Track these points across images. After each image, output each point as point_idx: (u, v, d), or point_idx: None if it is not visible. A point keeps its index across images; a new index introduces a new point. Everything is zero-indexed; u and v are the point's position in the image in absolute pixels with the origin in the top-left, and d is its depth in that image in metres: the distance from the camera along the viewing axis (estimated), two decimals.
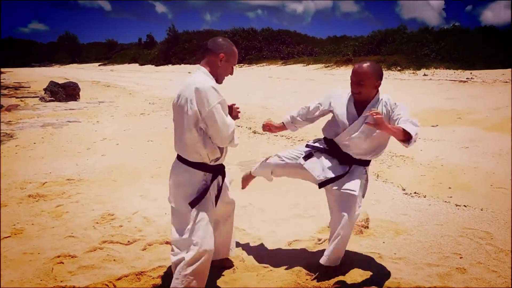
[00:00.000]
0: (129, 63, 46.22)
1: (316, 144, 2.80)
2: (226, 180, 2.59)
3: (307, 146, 2.84)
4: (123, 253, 3.10)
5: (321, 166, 2.70)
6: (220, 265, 2.82)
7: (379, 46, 21.13)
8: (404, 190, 4.31)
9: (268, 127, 2.93)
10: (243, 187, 3.26)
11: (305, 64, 23.81)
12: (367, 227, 3.36)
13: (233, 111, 2.46)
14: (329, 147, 2.73)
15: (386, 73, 16.25)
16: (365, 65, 2.54)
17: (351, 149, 2.64)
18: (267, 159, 3.02)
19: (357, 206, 2.61)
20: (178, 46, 37.82)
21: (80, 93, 14.86)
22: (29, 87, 21.64)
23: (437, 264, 2.81)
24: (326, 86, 13.59)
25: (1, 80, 29.20)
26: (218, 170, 2.44)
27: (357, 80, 2.54)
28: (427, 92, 10.88)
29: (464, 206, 3.81)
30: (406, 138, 2.41)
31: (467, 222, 3.46)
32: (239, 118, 2.53)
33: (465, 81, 11.99)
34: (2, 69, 45.20)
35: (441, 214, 3.65)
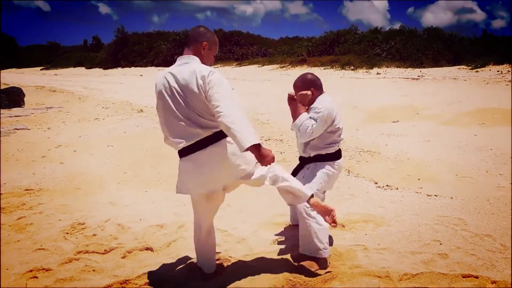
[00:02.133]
0: (74, 66, 44.14)
1: None
2: None
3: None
4: (101, 262, 2.93)
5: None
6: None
7: (332, 46, 21.71)
8: (377, 183, 4.42)
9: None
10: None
11: (260, 65, 23.95)
12: (343, 226, 3.39)
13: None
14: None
15: (340, 73, 16.80)
16: (297, 79, 2.97)
17: (301, 151, 3.00)
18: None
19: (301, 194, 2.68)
20: (127, 48, 36.63)
21: (24, 99, 13.97)
22: None
23: (420, 252, 2.90)
24: (284, 86, 13.72)
25: None
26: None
27: (295, 93, 2.94)
28: (382, 90, 11.31)
29: (435, 195, 3.97)
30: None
31: (440, 211, 3.61)
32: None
33: (417, 79, 12.60)
34: None
35: (415, 204, 3.78)
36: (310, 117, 2.78)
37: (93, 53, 44.77)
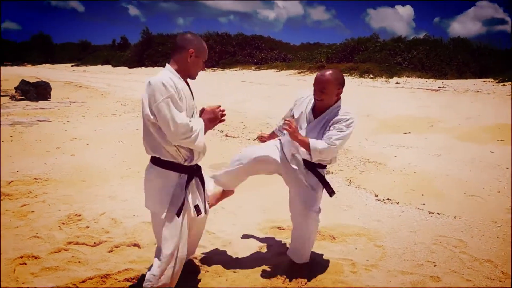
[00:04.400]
0: (102, 64, 45.15)
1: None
2: (207, 183, 2.52)
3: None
4: (88, 255, 2.98)
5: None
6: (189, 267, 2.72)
7: (352, 54, 21.47)
8: (377, 196, 4.33)
9: (260, 138, 3.02)
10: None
11: (278, 70, 23.87)
12: (334, 238, 3.32)
13: (213, 113, 2.34)
14: None
15: (358, 81, 16.59)
16: (328, 73, 2.58)
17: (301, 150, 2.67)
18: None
19: (315, 201, 2.65)
20: (151, 49, 37.22)
21: (51, 92, 14.42)
22: None
23: (411, 272, 2.78)
24: (299, 91, 13.72)
25: None
26: (193, 171, 2.34)
27: (319, 88, 2.57)
28: (399, 99, 11.09)
29: (437, 213, 3.83)
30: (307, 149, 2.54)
31: (440, 230, 3.46)
32: (223, 121, 2.43)
33: (437, 90, 12.30)
34: None
35: (414, 221, 3.66)
36: (330, 134, 2.52)
37: (120, 52, 45.71)
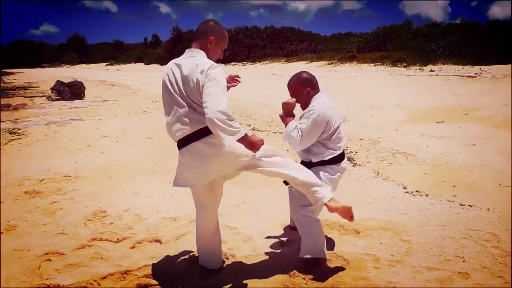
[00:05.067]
0: (135, 62, 46.30)
1: None
2: None
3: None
4: (111, 251, 3.02)
5: None
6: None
7: (384, 42, 20.84)
8: (405, 188, 4.15)
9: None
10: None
11: (308, 61, 23.56)
12: (358, 232, 3.22)
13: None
14: None
15: (391, 69, 16.10)
16: (291, 78, 2.79)
17: (301, 156, 2.84)
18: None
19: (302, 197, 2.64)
20: (182, 45, 37.71)
21: (85, 92, 14.89)
22: (38, 87, 21.93)
23: (437, 268, 2.64)
24: (328, 82, 13.39)
25: (12, 81, 29.62)
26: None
27: (289, 93, 2.81)
28: (433, 88, 10.64)
29: (469, 205, 3.62)
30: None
31: (471, 223, 3.27)
32: (235, 85, 2.74)
33: (473, 77, 11.73)
34: (14, 70, 45.92)
35: (443, 214, 3.48)
36: (297, 126, 2.66)
37: (152, 50, 46.64)
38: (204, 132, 2.26)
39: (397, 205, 3.73)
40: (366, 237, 3.15)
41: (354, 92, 11.31)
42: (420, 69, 15.26)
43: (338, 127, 2.71)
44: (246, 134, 2.19)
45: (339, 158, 2.74)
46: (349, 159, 5.29)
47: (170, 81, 2.32)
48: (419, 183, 4.28)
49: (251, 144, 2.22)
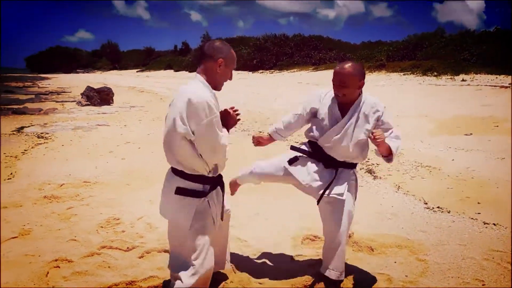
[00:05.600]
0: (164, 69, 47.27)
1: (302, 147, 2.69)
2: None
3: (291, 148, 2.73)
4: (119, 260, 3.01)
5: (307, 171, 2.59)
6: (215, 278, 2.65)
7: (414, 51, 20.36)
8: (426, 204, 3.98)
9: (257, 141, 2.86)
10: (232, 194, 3.03)
11: None
12: (372, 249, 3.08)
13: (230, 117, 2.32)
14: (313, 151, 2.60)
15: (420, 79, 15.67)
16: (347, 65, 2.45)
17: (334, 152, 2.53)
18: (249, 168, 2.87)
19: (347, 211, 2.48)
20: None
21: (114, 97, 15.24)
22: (70, 92, 22.68)
23: None
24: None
25: (46, 86, 30.83)
26: (216, 182, 2.29)
27: (339, 82, 2.44)
28: (463, 98, 10.27)
29: (494, 224, 3.43)
30: (388, 154, 2.46)
31: (495, 243, 3.09)
32: (239, 120, 2.42)
33: (506, 87, 11.23)
34: (49, 75, 47.95)
35: (465, 233, 3.30)
36: (392, 132, 2.49)
37: (182, 57, 47.48)
38: (179, 173, 2.20)
39: (416, 222, 3.57)
40: (381, 254, 3.01)
41: (381, 101, 11.06)
42: (451, 78, 14.78)
43: None
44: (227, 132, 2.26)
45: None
46: (370, 172, 5.14)
47: (168, 108, 2.19)
48: (442, 199, 4.08)
49: (232, 125, 2.33)
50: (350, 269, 2.77)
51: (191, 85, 2.15)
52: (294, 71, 27.42)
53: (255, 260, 2.98)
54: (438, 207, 3.86)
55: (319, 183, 2.52)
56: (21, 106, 13.72)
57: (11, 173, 5.34)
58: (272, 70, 29.22)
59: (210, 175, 2.21)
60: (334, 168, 2.54)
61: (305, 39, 33.26)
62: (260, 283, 2.65)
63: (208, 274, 2.24)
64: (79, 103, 14.55)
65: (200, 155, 2.11)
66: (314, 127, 2.62)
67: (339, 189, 2.48)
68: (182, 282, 2.16)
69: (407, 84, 14.81)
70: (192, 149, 2.10)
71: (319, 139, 2.56)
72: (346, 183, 2.51)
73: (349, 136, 2.48)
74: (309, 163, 2.60)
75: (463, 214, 3.69)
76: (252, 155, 5.34)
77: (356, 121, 2.48)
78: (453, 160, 5.41)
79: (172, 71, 44.30)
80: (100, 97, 14.71)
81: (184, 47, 52.65)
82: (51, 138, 8.01)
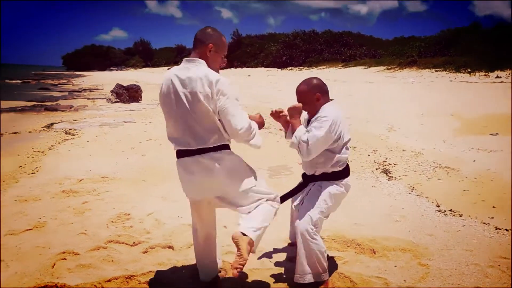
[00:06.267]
0: None
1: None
2: None
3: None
4: (124, 254, 3.10)
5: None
6: (212, 280, 2.66)
7: (448, 46, 19.67)
8: (439, 206, 3.85)
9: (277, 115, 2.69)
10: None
11: (366, 67, 22.94)
12: (374, 252, 3.02)
13: (262, 122, 2.48)
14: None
15: (452, 76, 15.15)
16: (301, 84, 2.64)
17: (305, 167, 2.70)
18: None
19: (305, 217, 2.49)
20: (240, 50, 38.42)
21: (142, 95, 15.56)
22: (102, 89, 23.39)
23: None
24: (384, 88, 12.91)
25: (80, 83, 31.97)
26: None
27: (298, 100, 2.63)
28: (494, 96, 9.84)
29: (506, 229, 3.28)
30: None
31: (504, 250, 2.95)
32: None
33: None
34: (84, 73, 49.74)
35: (474, 238, 3.17)
36: (308, 131, 2.49)
37: None
38: (194, 152, 2.27)
39: (424, 225, 3.47)
40: (382, 258, 2.95)
41: (408, 99, 10.79)
42: (485, 75, 14.19)
43: (347, 142, 2.57)
44: (257, 129, 2.35)
45: (343, 174, 2.59)
46: (386, 172, 5.03)
47: (171, 94, 2.26)
48: (456, 202, 3.95)
49: (260, 125, 2.41)
50: (348, 272, 2.74)
51: (200, 68, 2.25)
52: (323, 68, 27.15)
53: (252, 260, 2.96)
54: (450, 210, 3.74)
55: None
56: (54, 103, 14.31)
57: (36, 168, 5.59)
58: (301, 67, 29.05)
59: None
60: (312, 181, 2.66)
61: (335, 35, 32.91)
62: (255, 283, 2.66)
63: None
64: (108, 100, 14.97)
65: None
66: None
67: (296, 199, 2.71)
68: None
69: (437, 81, 14.35)
70: (217, 122, 2.24)
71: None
72: (304, 192, 2.66)
73: None
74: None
75: (475, 218, 3.55)
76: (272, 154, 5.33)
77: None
78: (474, 161, 5.21)
79: None
80: (129, 94, 15.07)
81: None
82: (77, 134, 8.31)
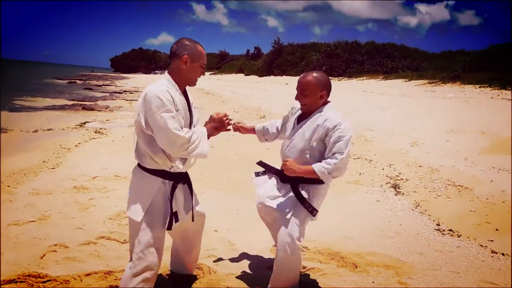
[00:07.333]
0: (236, 73, 48.57)
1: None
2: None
3: (258, 163, 2.70)
4: (111, 250, 3.21)
5: (265, 185, 2.56)
6: (181, 280, 2.72)
7: (495, 62, 18.65)
8: (439, 225, 3.69)
9: (237, 128, 2.75)
10: None
11: (407, 79, 22.23)
12: (356, 266, 2.93)
13: (220, 122, 2.43)
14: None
15: (496, 92, 14.33)
16: (309, 74, 2.42)
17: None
18: None
19: (295, 229, 2.36)
20: (281, 58, 38.49)
21: None
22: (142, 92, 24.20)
23: None
24: (419, 103, 12.49)
25: (123, 85, 33.29)
26: (179, 178, 2.35)
27: (300, 90, 2.42)
28: None
29: (502, 254, 3.10)
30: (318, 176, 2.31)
31: (492, 275, 2.79)
32: (229, 130, 2.52)
33: None
34: (129, 75, 51.79)
35: (465, 260, 3.02)
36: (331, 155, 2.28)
37: (253, 61, 48.38)
38: (141, 166, 2.33)
39: (417, 243, 3.34)
40: (362, 273, 2.87)
41: (440, 114, 10.37)
42: None
43: None
44: (203, 137, 2.26)
45: None
46: (394, 187, 4.88)
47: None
48: (458, 221, 3.77)
49: (216, 128, 2.41)
50: (323, 284, 2.69)
51: (155, 82, 2.25)
52: (363, 79, 26.65)
53: (235, 263, 2.99)
54: (450, 230, 3.57)
55: (271, 200, 2.48)
56: (92, 103, 15.01)
57: (57, 164, 5.89)
58: (341, 78, 28.66)
59: (172, 170, 2.27)
60: (289, 183, 2.44)
61: (378, 47, 32.22)
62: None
63: (150, 271, 2.33)
64: None
65: (156, 150, 2.20)
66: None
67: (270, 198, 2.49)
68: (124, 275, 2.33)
69: (478, 97, 13.66)
70: (147, 141, 2.20)
71: (281, 153, 2.55)
72: (281, 193, 2.46)
73: (295, 147, 2.41)
74: (271, 178, 2.59)
75: (473, 239, 3.38)
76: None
77: (306, 132, 2.39)
78: (491, 181, 4.94)
79: (242, 75, 45.37)
80: None
81: (256, 52, 53.44)
82: (106, 134, 8.67)
